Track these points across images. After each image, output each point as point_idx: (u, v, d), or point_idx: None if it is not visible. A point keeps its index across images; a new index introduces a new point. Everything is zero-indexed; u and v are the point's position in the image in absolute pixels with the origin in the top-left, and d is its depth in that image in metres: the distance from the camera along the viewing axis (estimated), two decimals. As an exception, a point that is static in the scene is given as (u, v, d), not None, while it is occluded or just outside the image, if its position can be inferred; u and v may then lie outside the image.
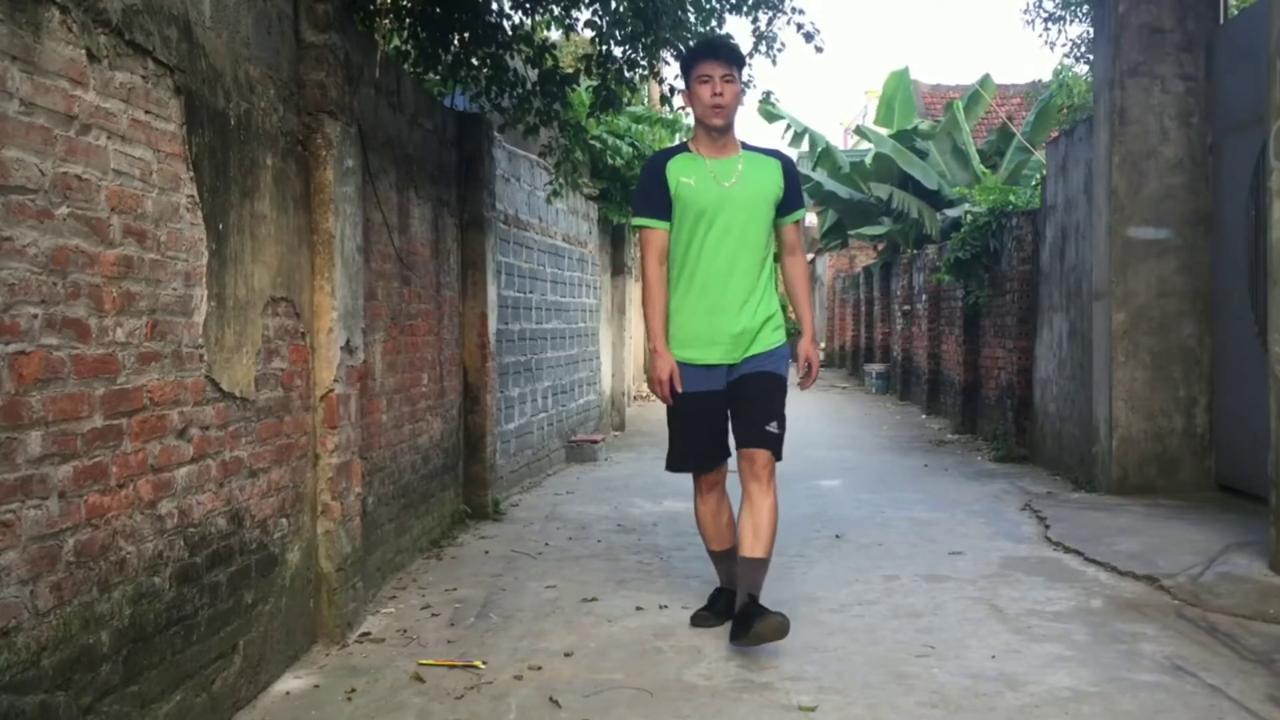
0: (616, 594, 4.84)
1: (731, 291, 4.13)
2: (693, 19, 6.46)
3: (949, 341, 12.69)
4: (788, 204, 4.24)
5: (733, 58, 4.13)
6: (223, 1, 3.37)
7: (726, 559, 4.30)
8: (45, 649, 2.46)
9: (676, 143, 4.42)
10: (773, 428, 4.09)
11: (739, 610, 3.95)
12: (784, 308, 4.76)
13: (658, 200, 4.15)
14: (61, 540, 2.54)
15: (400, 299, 5.32)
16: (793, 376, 4.44)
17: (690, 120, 5.00)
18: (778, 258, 4.33)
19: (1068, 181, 8.39)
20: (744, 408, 4.13)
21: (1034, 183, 12.20)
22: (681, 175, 4.13)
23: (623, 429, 12.45)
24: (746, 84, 4.45)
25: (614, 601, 4.71)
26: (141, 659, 2.85)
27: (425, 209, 5.75)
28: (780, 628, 3.79)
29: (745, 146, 4.27)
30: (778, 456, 4.12)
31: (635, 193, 4.34)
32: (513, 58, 6.35)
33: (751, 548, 3.98)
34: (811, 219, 24.02)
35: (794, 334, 4.92)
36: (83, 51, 2.62)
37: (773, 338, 4.20)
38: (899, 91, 18.83)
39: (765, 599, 4.04)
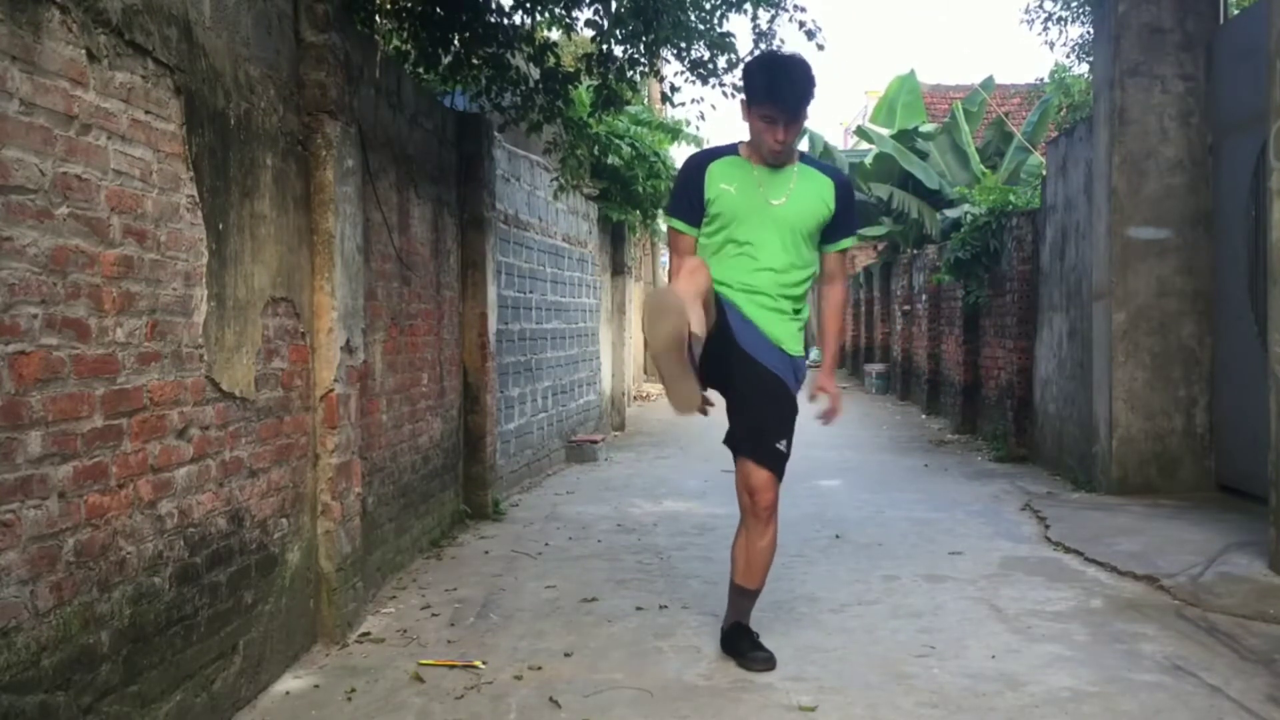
0: (616, 594, 4.84)
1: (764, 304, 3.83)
2: (693, 19, 6.46)
3: (949, 341, 12.68)
4: (838, 229, 3.89)
5: (801, 104, 3.67)
6: (223, 1, 3.37)
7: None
8: (45, 649, 2.46)
9: (724, 144, 4.06)
10: (781, 445, 3.78)
11: (729, 629, 3.97)
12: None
13: (689, 204, 3.80)
14: (61, 540, 2.54)
15: (400, 299, 5.32)
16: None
17: (695, 122, 4.83)
18: (815, 281, 3.96)
19: (1068, 181, 8.38)
20: (750, 412, 3.79)
21: (1034, 183, 12.20)
22: (723, 181, 3.77)
23: (623, 429, 12.45)
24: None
25: (614, 601, 4.71)
26: (141, 659, 2.85)
27: (425, 209, 5.75)
28: (767, 664, 3.79)
29: (803, 159, 3.89)
30: (779, 477, 3.83)
31: (673, 186, 4.04)
32: (514, 56, 6.35)
33: (744, 576, 3.89)
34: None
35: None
36: (83, 51, 2.62)
37: (795, 345, 3.88)
38: (902, 94, 18.80)
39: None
